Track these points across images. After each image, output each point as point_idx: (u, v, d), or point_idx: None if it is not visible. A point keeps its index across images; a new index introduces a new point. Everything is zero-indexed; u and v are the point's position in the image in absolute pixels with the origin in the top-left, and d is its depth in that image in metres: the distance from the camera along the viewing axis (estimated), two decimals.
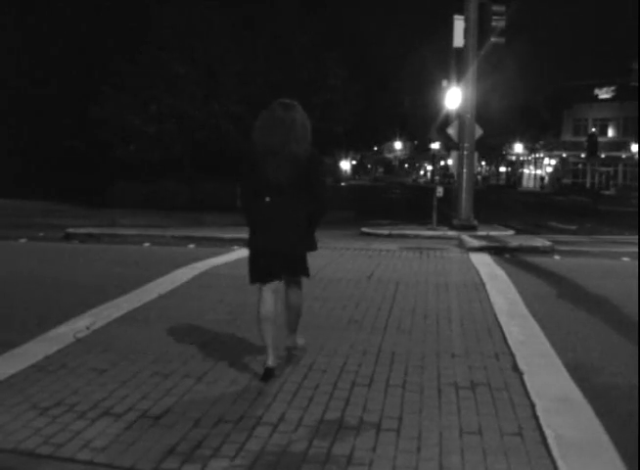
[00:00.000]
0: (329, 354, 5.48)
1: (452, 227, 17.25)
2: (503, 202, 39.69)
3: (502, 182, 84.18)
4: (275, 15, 28.42)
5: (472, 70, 17.58)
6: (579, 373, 5.08)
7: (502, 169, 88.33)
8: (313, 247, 5.32)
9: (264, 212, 5.02)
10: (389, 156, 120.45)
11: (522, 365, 5.22)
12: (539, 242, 14.53)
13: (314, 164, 5.05)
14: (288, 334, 5.52)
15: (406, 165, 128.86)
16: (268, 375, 4.88)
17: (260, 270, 5.15)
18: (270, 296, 5.14)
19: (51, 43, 29.27)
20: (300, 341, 5.59)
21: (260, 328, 5.08)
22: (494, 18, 17.39)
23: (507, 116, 67.28)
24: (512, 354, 5.54)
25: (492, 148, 72.50)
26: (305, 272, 5.34)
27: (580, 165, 70.28)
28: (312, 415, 4.16)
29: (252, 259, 5.24)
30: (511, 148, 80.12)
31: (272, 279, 5.15)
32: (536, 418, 4.14)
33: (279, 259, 5.10)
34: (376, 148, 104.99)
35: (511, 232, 17.26)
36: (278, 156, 4.91)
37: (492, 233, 16.50)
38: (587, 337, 6.29)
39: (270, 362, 4.93)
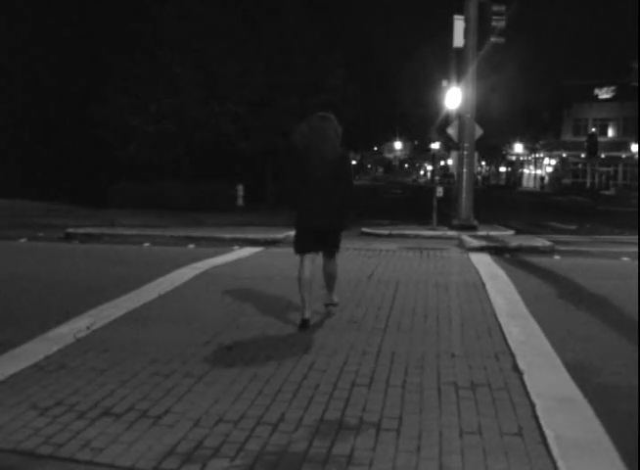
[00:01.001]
0: (329, 354, 5.48)
1: (452, 227, 17.25)
2: (503, 202, 39.68)
3: (502, 182, 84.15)
4: (275, 15, 28.41)
5: (472, 70, 17.59)
6: (579, 373, 5.07)
7: (502, 169, 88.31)
8: (346, 226, 6.83)
9: (308, 198, 6.51)
10: (389, 156, 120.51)
11: (522, 365, 5.22)
12: (539, 242, 14.53)
13: (343, 162, 6.62)
14: (327, 293, 7.08)
15: (406, 165, 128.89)
16: (305, 325, 6.37)
17: (303, 244, 6.62)
18: (308, 263, 6.61)
19: (51, 43, 29.27)
20: (335, 298, 7.17)
21: (300, 287, 6.55)
22: (494, 18, 17.39)
23: (507, 115, 67.28)
24: (512, 354, 5.54)
25: (492, 148, 72.49)
26: (337, 247, 6.86)
27: (580, 165, 70.28)
28: (312, 415, 4.16)
29: (298, 235, 6.69)
30: (511, 148, 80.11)
31: (311, 251, 6.62)
32: (536, 418, 4.14)
33: (318, 236, 6.58)
34: (376, 148, 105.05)
35: (511, 232, 17.26)
36: (317, 155, 6.46)
37: (492, 233, 16.50)
38: (587, 337, 6.29)
39: (307, 315, 6.43)
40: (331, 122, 6.62)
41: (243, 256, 11.85)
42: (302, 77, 28.26)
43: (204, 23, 27.19)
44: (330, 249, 6.79)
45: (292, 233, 15.07)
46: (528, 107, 69.41)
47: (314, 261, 6.66)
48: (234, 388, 4.65)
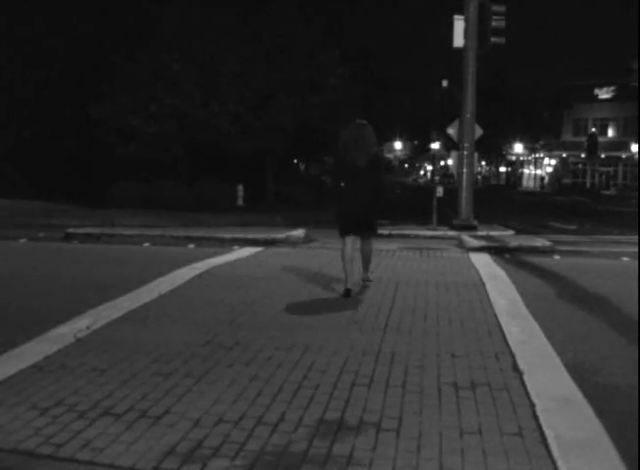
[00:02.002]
0: (329, 354, 5.48)
1: (452, 227, 17.25)
2: (503, 202, 39.67)
3: (502, 182, 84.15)
4: (275, 14, 28.41)
5: (472, 70, 17.59)
6: (579, 373, 5.07)
7: (502, 169, 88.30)
8: (378, 214, 8.37)
9: (347, 190, 7.99)
10: (389, 156, 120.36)
11: (522, 365, 5.22)
12: (539, 242, 14.52)
13: (377, 161, 8.19)
14: (363, 271, 8.59)
15: (406, 165, 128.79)
16: (347, 294, 7.87)
17: (344, 228, 8.15)
18: (349, 243, 8.15)
19: (51, 43, 29.26)
20: (370, 276, 8.74)
21: (343, 263, 8.13)
22: (494, 18, 17.41)
23: (507, 115, 67.31)
24: (512, 354, 5.54)
25: (492, 148, 72.52)
26: (374, 233, 8.46)
27: (580, 165, 70.29)
28: (312, 415, 4.16)
29: (340, 222, 8.20)
30: (511, 148, 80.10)
31: (350, 234, 8.15)
32: (536, 418, 4.14)
33: (355, 221, 8.08)
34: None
35: (511, 232, 17.25)
36: (355, 156, 7.97)
37: (492, 233, 16.49)
38: (587, 337, 6.29)
39: (348, 285, 7.94)
40: (367, 128, 8.15)
41: (243, 256, 11.85)
42: (302, 77, 28.26)
43: (204, 22, 27.19)
44: (365, 232, 8.28)
45: (292, 233, 15.22)
46: (528, 107, 69.42)
47: (355, 242, 8.23)
48: (234, 388, 4.65)
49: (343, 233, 8.14)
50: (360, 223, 8.11)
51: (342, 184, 7.99)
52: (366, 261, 8.53)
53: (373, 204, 8.05)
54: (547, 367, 5.22)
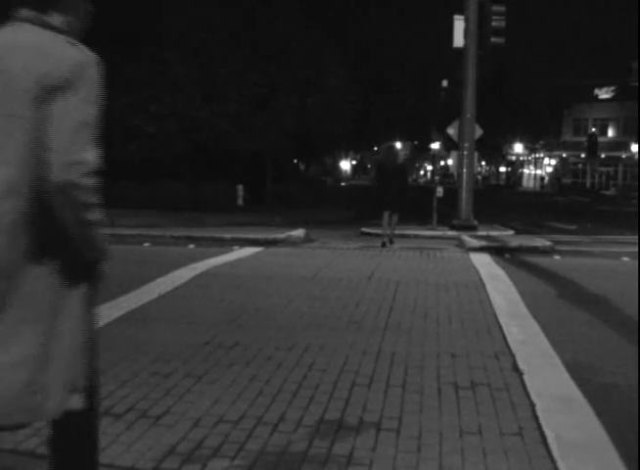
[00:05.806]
0: (329, 354, 5.48)
1: (452, 227, 17.26)
2: (503, 202, 39.68)
3: (502, 182, 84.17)
4: (275, 15, 28.40)
5: (472, 70, 17.60)
6: (579, 373, 5.07)
7: (502, 169, 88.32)
8: (404, 201, 14.11)
9: (384, 187, 13.76)
10: None
11: (522, 365, 5.22)
12: (539, 242, 14.53)
13: (403, 169, 14.60)
14: (390, 232, 13.85)
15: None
16: (384, 245, 13.51)
17: (383, 206, 13.78)
18: (386, 216, 13.78)
19: None
20: (394, 238, 13.96)
21: (382, 228, 13.90)
22: (494, 18, 17.42)
23: (507, 115, 67.33)
24: (512, 354, 5.54)
25: (492, 148, 72.54)
26: (398, 210, 13.88)
27: (580, 165, 70.32)
28: (312, 415, 4.16)
29: (380, 202, 13.93)
30: (511, 148, 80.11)
31: (386, 210, 13.77)
32: (536, 418, 4.13)
33: (389, 203, 13.67)
34: (376, 148, 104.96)
35: (511, 232, 17.27)
36: (389, 164, 13.94)
37: (492, 233, 16.50)
38: (587, 337, 6.29)
39: (385, 239, 13.65)
40: (394, 148, 14.30)
41: (243, 256, 11.85)
42: (302, 77, 28.25)
43: (204, 22, 27.19)
44: (394, 210, 13.78)
45: (292, 233, 15.32)
46: (528, 107, 69.44)
47: (390, 216, 13.75)
48: (234, 388, 4.65)
49: (383, 209, 13.77)
50: (392, 204, 13.64)
51: (381, 183, 13.85)
52: (393, 227, 13.89)
53: (400, 193, 13.79)
54: (547, 367, 5.22)
